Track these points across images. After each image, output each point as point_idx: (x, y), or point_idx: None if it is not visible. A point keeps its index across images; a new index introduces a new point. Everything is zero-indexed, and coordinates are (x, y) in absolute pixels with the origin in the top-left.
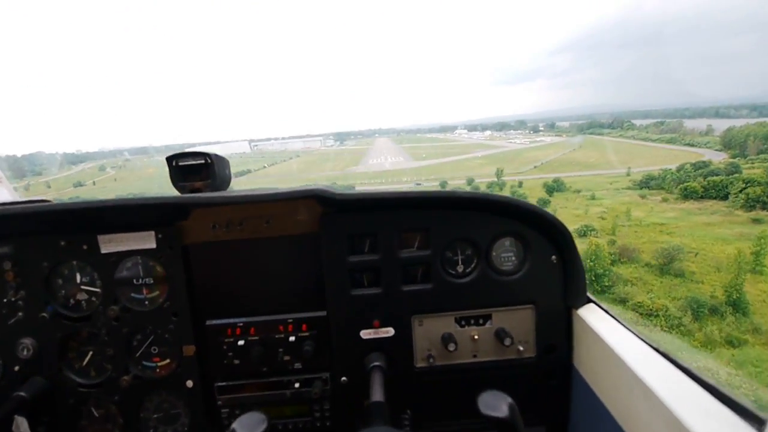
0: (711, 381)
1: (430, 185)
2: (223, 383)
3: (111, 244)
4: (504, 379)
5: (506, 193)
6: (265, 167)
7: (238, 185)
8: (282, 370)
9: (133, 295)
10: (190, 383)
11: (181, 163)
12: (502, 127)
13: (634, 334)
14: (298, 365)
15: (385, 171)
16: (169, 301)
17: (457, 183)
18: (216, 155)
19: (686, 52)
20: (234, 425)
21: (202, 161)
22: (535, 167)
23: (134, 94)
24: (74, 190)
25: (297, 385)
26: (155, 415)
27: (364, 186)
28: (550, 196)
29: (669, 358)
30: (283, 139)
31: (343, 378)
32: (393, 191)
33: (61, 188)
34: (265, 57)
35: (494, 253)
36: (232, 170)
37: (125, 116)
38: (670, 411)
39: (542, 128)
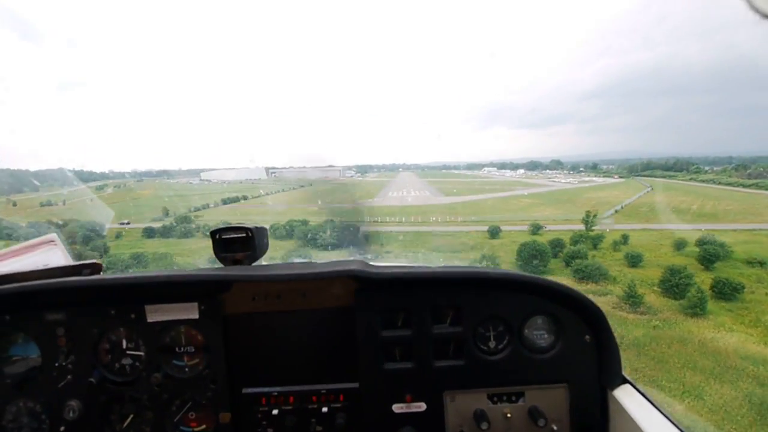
0: None
1: (472, 229)
2: None
3: (157, 314)
4: None
5: (605, 250)
6: (261, 194)
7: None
8: None
9: (174, 362)
10: None
11: (224, 237)
12: (535, 166)
13: (669, 420)
14: None
15: (407, 206)
16: (208, 369)
17: (510, 228)
18: (256, 228)
19: (720, 104)
20: None
21: (244, 235)
22: (616, 211)
23: (156, 116)
24: (41, 209)
25: None
26: None
27: (380, 224)
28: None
29: None
30: (301, 168)
31: None
32: (426, 269)
33: (28, 206)
34: (289, 83)
35: (526, 331)
36: (246, 193)
37: (144, 140)
38: None
39: (582, 169)
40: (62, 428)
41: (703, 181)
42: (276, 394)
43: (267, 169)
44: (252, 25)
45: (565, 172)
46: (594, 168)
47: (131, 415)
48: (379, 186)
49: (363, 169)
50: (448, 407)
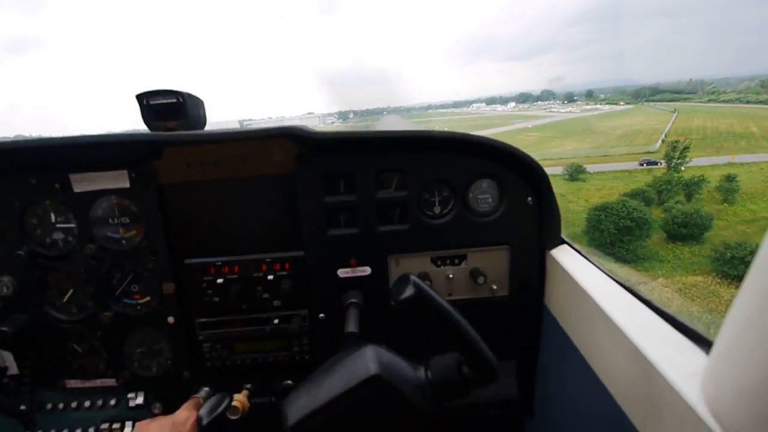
0: (669, 311)
1: None
2: (204, 320)
3: (84, 183)
4: (477, 316)
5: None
6: None
7: None
8: (261, 308)
9: (109, 234)
10: (171, 320)
11: (152, 102)
12: (525, 98)
13: (603, 271)
14: (277, 303)
15: None
16: (146, 240)
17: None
18: (189, 94)
19: (720, 20)
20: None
21: (174, 100)
22: (663, 143)
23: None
24: None
25: (276, 321)
26: (139, 350)
27: None
28: None
29: (633, 292)
30: (279, 119)
31: (321, 315)
32: (370, 131)
33: None
34: (259, 31)
35: (471, 195)
36: None
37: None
38: (629, 340)
39: (577, 98)
40: None
41: (726, 102)
42: (220, 263)
43: (240, 121)
44: None
45: (558, 102)
46: (590, 96)
47: (71, 290)
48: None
49: (344, 115)
50: (393, 271)
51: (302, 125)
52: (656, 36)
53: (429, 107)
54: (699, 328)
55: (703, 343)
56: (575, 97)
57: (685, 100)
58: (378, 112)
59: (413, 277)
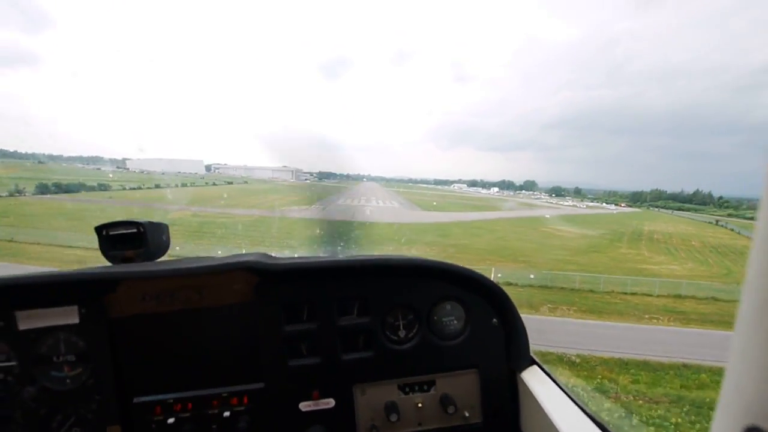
0: None
1: None
2: None
3: (30, 320)
4: None
5: None
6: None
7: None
8: None
9: (53, 373)
10: None
11: (111, 233)
12: (507, 186)
13: (572, 399)
14: None
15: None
16: (92, 378)
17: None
18: (151, 223)
19: (674, 147)
20: None
21: (134, 230)
22: None
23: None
24: None
25: None
26: None
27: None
28: None
29: (601, 426)
30: (250, 168)
31: None
32: (329, 259)
33: None
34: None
35: (435, 317)
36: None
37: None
38: None
39: (565, 194)
40: None
41: (750, 218)
42: (171, 401)
43: (209, 164)
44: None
45: (545, 194)
46: (578, 193)
47: None
48: (330, 192)
49: (324, 176)
50: (359, 401)
51: (261, 257)
52: (619, 150)
53: (409, 181)
54: None
55: None
56: (562, 193)
57: (696, 211)
58: (357, 178)
59: None
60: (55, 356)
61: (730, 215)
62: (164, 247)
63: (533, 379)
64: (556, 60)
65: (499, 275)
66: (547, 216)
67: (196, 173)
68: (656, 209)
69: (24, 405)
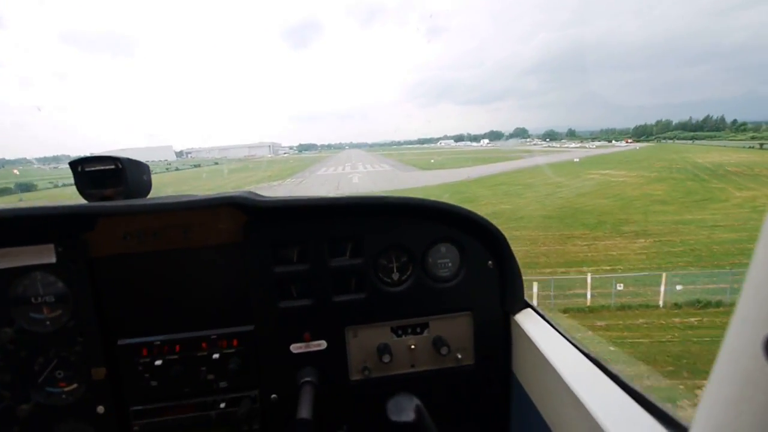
0: (637, 388)
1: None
2: (140, 407)
3: (5, 259)
4: (443, 387)
5: None
6: None
7: None
8: (206, 391)
9: (31, 315)
10: (101, 409)
11: (87, 169)
12: (496, 136)
13: (568, 340)
14: (223, 384)
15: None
16: (74, 320)
17: None
18: (129, 160)
19: (651, 80)
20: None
21: (112, 166)
22: None
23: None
24: None
25: (223, 405)
26: None
27: None
28: None
29: (599, 364)
30: (225, 148)
31: (273, 395)
32: (322, 197)
33: None
34: (218, 56)
35: (430, 260)
36: None
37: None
38: (596, 421)
39: (559, 137)
40: None
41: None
42: (159, 343)
43: (179, 150)
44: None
45: (536, 140)
46: (573, 135)
47: None
48: (309, 162)
49: (304, 147)
50: (351, 343)
51: (249, 192)
52: (601, 89)
53: (392, 143)
54: (669, 410)
55: (676, 428)
56: (556, 136)
57: (713, 138)
58: (339, 147)
59: (417, 401)
60: (33, 297)
61: (753, 138)
62: (145, 188)
63: (528, 321)
64: (531, 1)
65: (620, 287)
66: (576, 160)
67: (165, 160)
68: (668, 141)
69: (3, 347)
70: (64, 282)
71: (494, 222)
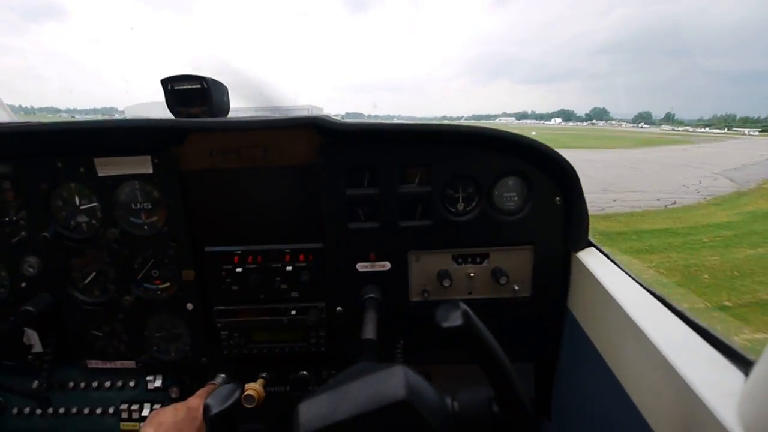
0: (703, 324)
1: None
2: (222, 307)
3: (108, 167)
4: (497, 316)
5: None
6: None
7: None
8: (279, 298)
9: (131, 219)
10: (190, 306)
11: (176, 87)
12: (568, 117)
13: (633, 278)
14: (294, 294)
15: None
16: (167, 226)
17: None
18: (213, 80)
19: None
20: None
21: (198, 86)
22: None
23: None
24: None
25: (294, 312)
26: (158, 334)
27: None
28: None
29: (664, 302)
30: (257, 107)
31: (339, 308)
32: (395, 123)
33: None
34: (277, 24)
35: (496, 192)
36: None
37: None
38: (659, 352)
39: (643, 122)
40: (23, 284)
41: None
42: (239, 252)
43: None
44: None
45: (626, 123)
46: (668, 119)
47: (93, 273)
48: None
49: (352, 116)
50: (413, 266)
51: (327, 115)
52: (675, 74)
53: (444, 119)
54: (737, 345)
55: (741, 362)
56: (651, 119)
57: None
58: (388, 119)
59: (464, 306)
60: (133, 203)
61: None
62: (226, 108)
63: (590, 258)
64: None
65: None
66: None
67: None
68: None
69: (108, 246)
70: (159, 191)
71: None
